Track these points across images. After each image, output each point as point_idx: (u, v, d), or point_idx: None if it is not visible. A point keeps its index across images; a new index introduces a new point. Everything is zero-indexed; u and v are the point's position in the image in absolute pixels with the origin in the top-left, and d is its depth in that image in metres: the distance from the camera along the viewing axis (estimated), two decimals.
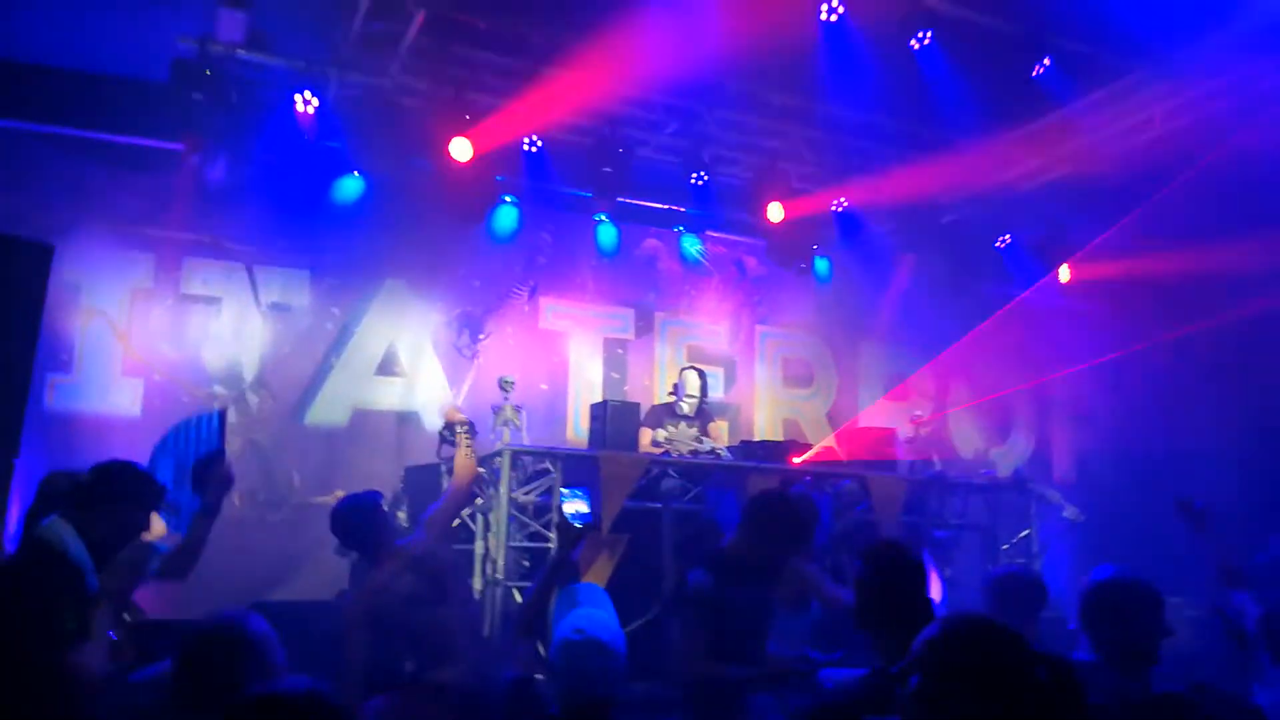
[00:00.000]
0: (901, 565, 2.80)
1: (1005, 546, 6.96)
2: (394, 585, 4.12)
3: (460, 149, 6.99)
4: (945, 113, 7.19)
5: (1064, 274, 8.74)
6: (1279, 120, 6.13)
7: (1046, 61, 6.90)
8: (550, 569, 3.53)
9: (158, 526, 4.35)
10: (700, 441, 6.59)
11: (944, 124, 7.41)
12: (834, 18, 6.53)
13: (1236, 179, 6.75)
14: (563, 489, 3.59)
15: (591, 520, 3.57)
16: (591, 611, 2.95)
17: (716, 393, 8.83)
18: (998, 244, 8.96)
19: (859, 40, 6.65)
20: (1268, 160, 6.31)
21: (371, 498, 4.44)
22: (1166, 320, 8.03)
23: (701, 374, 7.06)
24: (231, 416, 7.23)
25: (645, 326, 8.91)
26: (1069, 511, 7.09)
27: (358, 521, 4.28)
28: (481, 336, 7.87)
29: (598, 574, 5.35)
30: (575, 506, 3.55)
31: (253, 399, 7.30)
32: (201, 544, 3.47)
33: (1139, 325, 8.33)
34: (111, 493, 3.21)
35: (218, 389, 7.22)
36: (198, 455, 3.96)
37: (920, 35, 6.71)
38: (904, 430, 7.80)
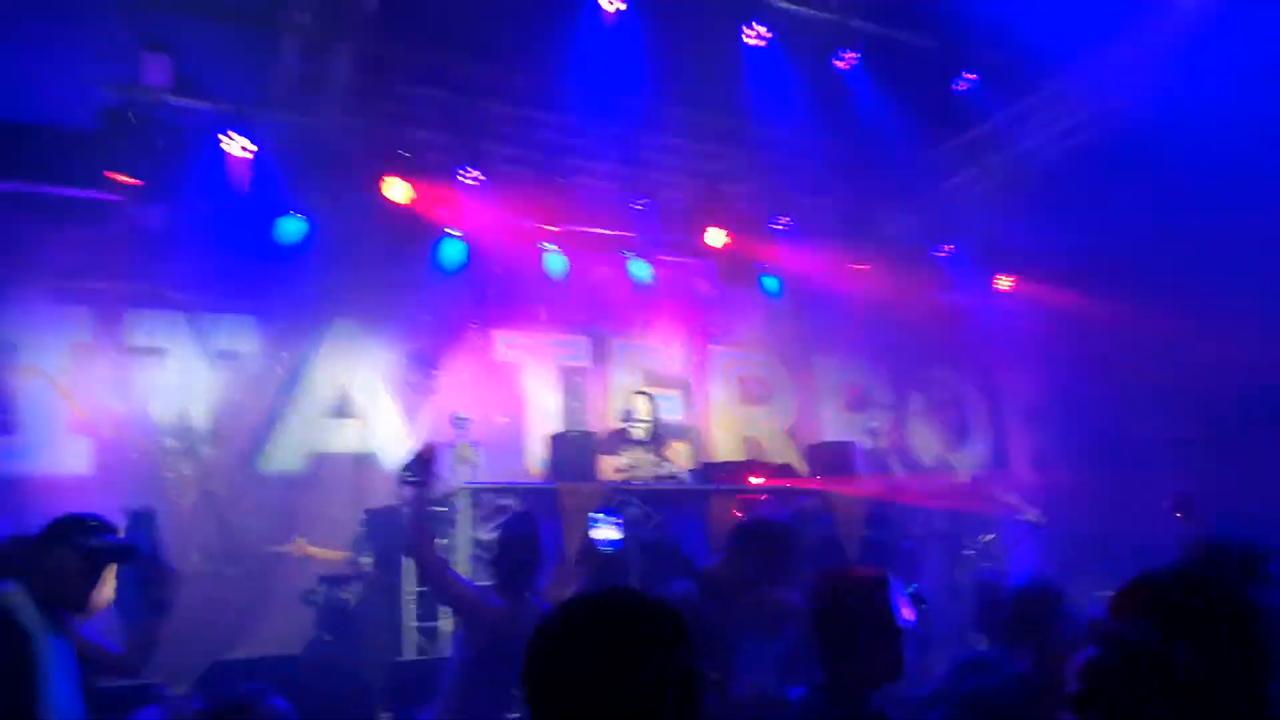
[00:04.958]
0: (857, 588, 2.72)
1: (970, 552, 7.05)
2: (518, 628, 3.73)
3: (397, 191, 6.97)
4: (877, 129, 7.34)
5: (1003, 283, 8.93)
6: (1196, 122, 6.33)
7: (971, 76, 7.09)
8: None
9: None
10: (660, 466, 6.57)
11: (877, 140, 7.55)
12: (762, 43, 6.71)
13: (1163, 179, 6.94)
14: (593, 513, 3.38)
15: (621, 545, 3.38)
16: None
17: (675, 415, 8.82)
18: (940, 253, 9.10)
19: (786, 63, 6.84)
20: (1186, 158, 6.51)
21: (530, 529, 4.12)
22: (1108, 314, 8.21)
23: (651, 397, 7.03)
24: (185, 470, 7.07)
25: (601, 353, 8.89)
26: (1030, 515, 7.20)
27: (523, 554, 4.04)
28: (435, 371, 7.80)
29: None
30: (606, 533, 3.35)
31: (205, 450, 7.14)
32: (154, 642, 3.35)
33: (1082, 321, 8.51)
34: (40, 541, 3.07)
35: (169, 442, 7.05)
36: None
37: (844, 55, 6.90)
38: (863, 441, 7.87)
